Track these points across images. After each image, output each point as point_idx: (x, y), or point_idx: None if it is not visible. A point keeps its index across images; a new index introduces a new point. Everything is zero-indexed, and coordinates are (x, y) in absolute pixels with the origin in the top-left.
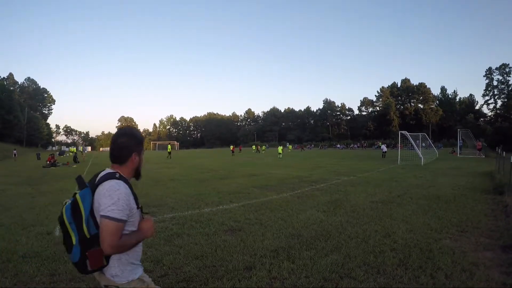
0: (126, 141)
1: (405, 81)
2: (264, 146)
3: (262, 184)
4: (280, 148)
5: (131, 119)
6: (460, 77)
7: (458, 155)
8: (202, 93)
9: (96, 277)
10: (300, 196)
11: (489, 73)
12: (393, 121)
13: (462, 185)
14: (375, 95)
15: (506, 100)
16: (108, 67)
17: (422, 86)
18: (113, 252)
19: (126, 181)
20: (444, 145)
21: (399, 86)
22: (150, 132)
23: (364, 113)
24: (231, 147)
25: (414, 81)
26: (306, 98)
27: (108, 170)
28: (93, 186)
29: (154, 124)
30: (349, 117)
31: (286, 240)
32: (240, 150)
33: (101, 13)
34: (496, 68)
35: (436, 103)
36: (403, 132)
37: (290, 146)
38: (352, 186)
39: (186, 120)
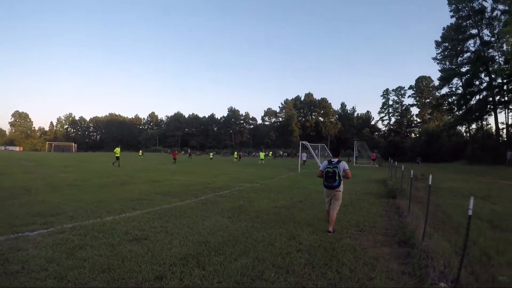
0: (338, 146)
1: (309, 95)
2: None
3: (165, 190)
4: (262, 154)
5: (26, 115)
6: (359, 95)
7: (354, 164)
8: (104, 92)
9: (331, 192)
10: (204, 203)
11: (386, 93)
12: (295, 132)
13: (359, 190)
14: (279, 107)
15: (399, 117)
16: (3, 54)
17: (324, 101)
18: (350, 178)
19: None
20: (342, 155)
21: (302, 99)
22: (46, 131)
23: (267, 123)
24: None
25: (317, 96)
26: (211, 105)
27: (336, 159)
28: (336, 163)
29: (51, 123)
30: (252, 126)
31: (194, 247)
32: (175, 158)
33: None
34: (393, 90)
35: (336, 117)
36: (303, 142)
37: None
38: (255, 193)
39: (86, 120)
